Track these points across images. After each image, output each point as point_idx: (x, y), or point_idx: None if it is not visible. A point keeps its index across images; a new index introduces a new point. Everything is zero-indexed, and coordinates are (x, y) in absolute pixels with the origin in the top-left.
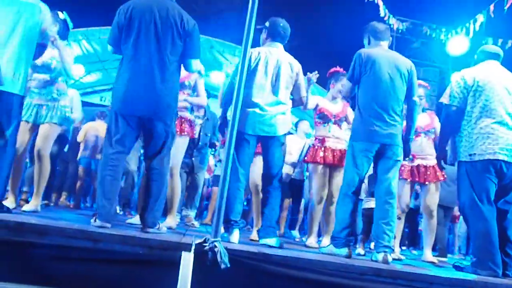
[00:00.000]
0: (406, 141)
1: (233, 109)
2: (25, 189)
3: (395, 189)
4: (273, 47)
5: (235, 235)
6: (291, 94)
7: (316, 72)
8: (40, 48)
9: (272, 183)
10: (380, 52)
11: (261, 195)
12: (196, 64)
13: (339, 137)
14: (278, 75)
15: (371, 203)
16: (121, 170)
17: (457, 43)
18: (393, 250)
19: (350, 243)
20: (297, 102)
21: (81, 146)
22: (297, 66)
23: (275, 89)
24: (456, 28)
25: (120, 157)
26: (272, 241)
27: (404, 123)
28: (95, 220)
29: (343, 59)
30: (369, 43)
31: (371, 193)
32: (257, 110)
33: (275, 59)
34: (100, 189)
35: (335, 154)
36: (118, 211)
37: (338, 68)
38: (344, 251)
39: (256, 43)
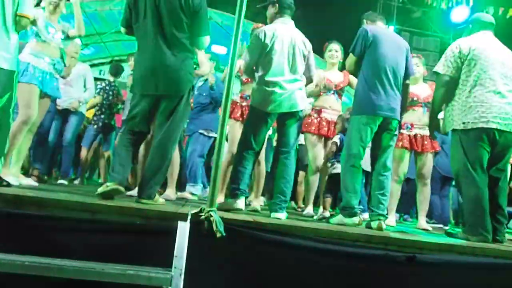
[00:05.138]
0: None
1: (227, 82)
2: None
3: (390, 163)
4: (285, 24)
5: (242, 202)
6: None
7: None
8: None
9: (289, 154)
10: (382, 29)
11: (262, 166)
12: (205, 41)
13: (336, 109)
14: (294, 54)
15: (338, 169)
16: (136, 145)
17: (458, 12)
18: (386, 217)
19: (359, 212)
20: (306, 80)
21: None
22: (309, 45)
23: (292, 67)
24: None
25: (137, 136)
26: (283, 215)
27: None
28: (106, 186)
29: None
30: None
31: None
32: (277, 89)
33: (290, 37)
34: (116, 158)
35: (330, 125)
36: None
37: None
38: (355, 220)
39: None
